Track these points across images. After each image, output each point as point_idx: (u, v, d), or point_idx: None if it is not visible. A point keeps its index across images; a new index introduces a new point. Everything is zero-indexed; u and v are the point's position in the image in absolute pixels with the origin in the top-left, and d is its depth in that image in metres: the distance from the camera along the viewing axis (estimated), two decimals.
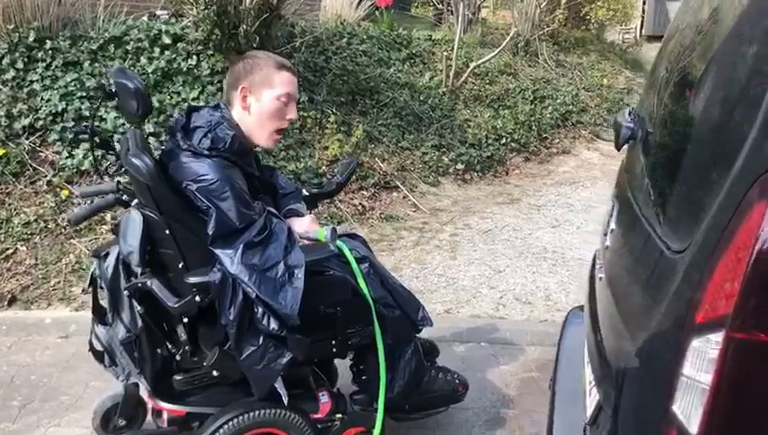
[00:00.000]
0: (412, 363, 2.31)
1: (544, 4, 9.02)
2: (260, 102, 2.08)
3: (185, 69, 4.97)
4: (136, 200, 1.99)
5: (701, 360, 0.96)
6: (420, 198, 5.45)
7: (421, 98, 6.66)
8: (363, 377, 2.35)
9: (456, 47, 7.13)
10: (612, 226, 1.64)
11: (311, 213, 2.41)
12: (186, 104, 4.05)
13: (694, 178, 1.18)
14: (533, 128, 7.20)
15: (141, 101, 1.92)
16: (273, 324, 1.92)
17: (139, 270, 1.98)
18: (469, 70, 7.20)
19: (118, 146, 2.14)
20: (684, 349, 0.98)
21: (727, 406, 0.94)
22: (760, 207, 0.88)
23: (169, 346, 2.12)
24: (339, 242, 2.19)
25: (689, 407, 0.98)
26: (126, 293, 2.01)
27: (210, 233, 1.91)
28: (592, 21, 11.49)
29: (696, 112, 1.26)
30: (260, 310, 1.92)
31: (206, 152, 1.97)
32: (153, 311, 2.05)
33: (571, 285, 4.01)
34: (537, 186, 6.25)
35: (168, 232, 1.94)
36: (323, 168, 5.04)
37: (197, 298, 1.95)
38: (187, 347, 2.09)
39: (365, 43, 7.01)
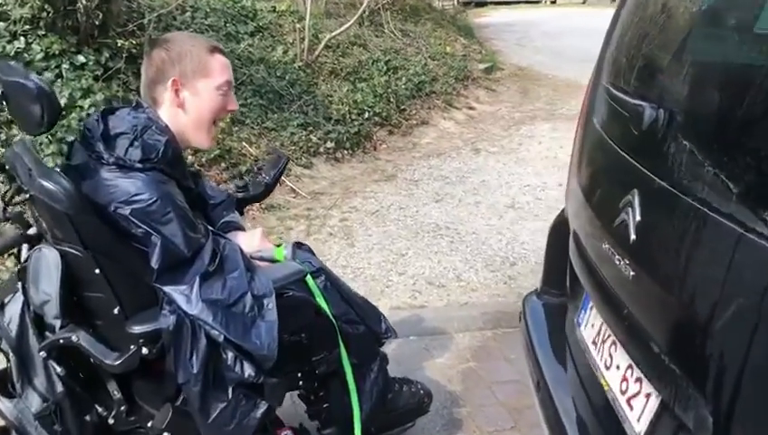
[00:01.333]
0: (379, 382, 2.05)
1: None
2: (197, 96, 1.69)
3: (12, 53, 4.20)
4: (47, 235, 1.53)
5: None
6: (297, 181, 5.12)
7: (278, 74, 6.26)
8: (324, 405, 2.05)
9: (308, 19, 6.77)
10: (637, 217, 1.49)
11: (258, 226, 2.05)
12: None
13: None
14: (392, 100, 7.08)
15: (47, 105, 1.46)
16: (249, 370, 1.58)
17: (57, 323, 1.53)
18: (323, 42, 6.89)
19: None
20: None
21: None
22: None
23: (99, 409, 1.69)
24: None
25: None
26: (41, 354, 1.55)
27: (156, 266, 1.51)
28: None
29: None
30: (230, 355, 1.57)
31: (137, 165, 1.55)
32: (76, 371, 1.61)
33: (476, 263, 3.93)
34: (407, 160, 6.14)
35: (97, 271, 1.51)
36: (202, 161, 4.55)
37: (144, 350, 1.55)
38: (122, 407, 1.67)
39: (209, 16, 6.44)
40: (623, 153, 1.64)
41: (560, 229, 2.27)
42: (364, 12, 8.21)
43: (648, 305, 1.41)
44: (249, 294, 1.59)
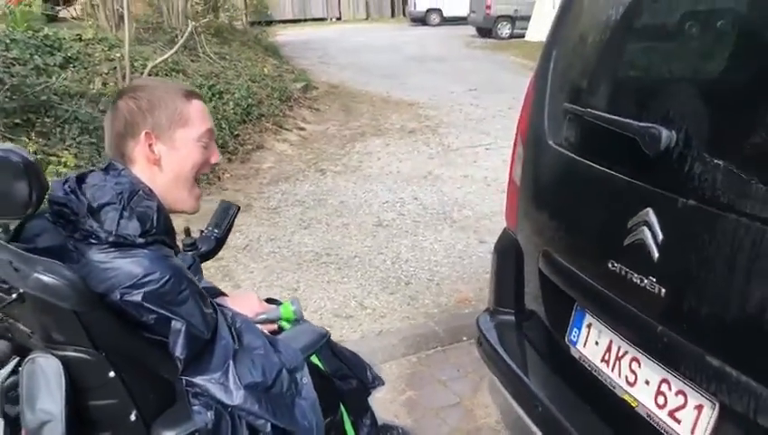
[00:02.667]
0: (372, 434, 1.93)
1: None
2: (175, 150, 1.45)
3: None
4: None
5: None
6: None
7: (101, 108, 5.71)
8: None
9: (127, 47, 6.26)
10: (659, 235, 1.54)
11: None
12: None
13: None
14: (224, 126, 6.79)
15: (35, 181, 1.17)
16: None
17: None
18: (147, 71, 6.42)
19: None
20: None
21: None
22: None
23: None
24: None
25: None
26: None
27: (182, 356, 1.28)
28: (226, 8, 11.31)
29: None
30: None
31: (138, 241, 1.29)
32: None
33: (372, 287, 3.88)
34: (256, 187, 5.93)
35: (112, 374, 1.24)
36: None
37: None
38: None
39: (11, 48, 5.71)
40: (620, 175, 1.70)
41: (509, 251, 2.31)
42: (179, 37, 7.80)
43: (692, 319, 1.46)
44: (284, 370, 1.40)
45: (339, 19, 28.73)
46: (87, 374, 1.23)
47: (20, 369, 1.23)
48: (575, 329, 1.92)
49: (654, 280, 1.55)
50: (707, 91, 1.53)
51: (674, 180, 1.52)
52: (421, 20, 25.02)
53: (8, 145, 1.26)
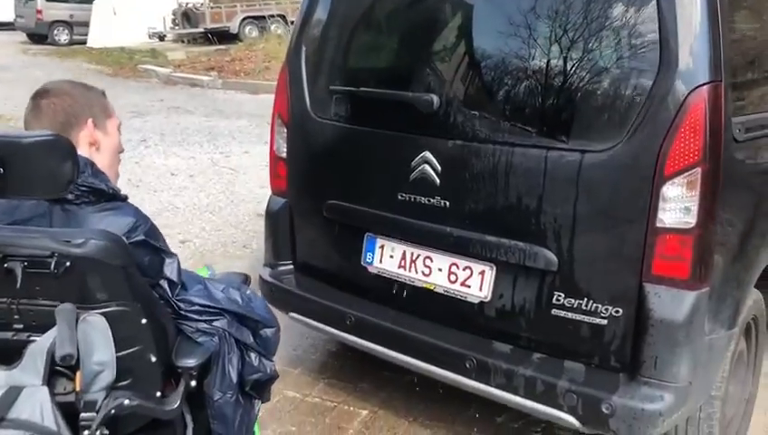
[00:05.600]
0: None
1: None
2: (108, 136, 1.69)
3: None
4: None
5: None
6: None
7: None
8: None
9: None
10: (438, 167, 2.24)
11: None
12: None
13: (604, 96, 2.00)
14: None
15: (76, 163, 1.31)
16: (270, 365, 1.75)
17: (101, 395, 1.39)
18: None
19: None
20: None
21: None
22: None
23: None
24: None
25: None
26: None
27: (177, 280, 1.56)
28: None
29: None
30: (253, 356, 1.70)
31: (122, 195, 1.54)
32: None
33: None
34: None
35: (144, 321, 1.43)
36: None
37: (193, 383, 1.56)
38: None
39: None
40: (397, 133, 2.41)
41: (282, 213, 2.83)
42: None
43: (471, 216, 2.25)
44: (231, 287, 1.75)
45: None
46: (124, 325, 1.40)
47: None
48: (368, 253, 2.56)
49: (440, 198, 2.30)
50: (453, 63, 2.33)
51: (443, 129, 2.28)
52: None
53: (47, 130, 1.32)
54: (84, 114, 1.65)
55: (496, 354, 2.25)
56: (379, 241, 2.54)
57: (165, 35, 19.34)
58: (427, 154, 2.30)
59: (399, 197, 2.38)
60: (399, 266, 2.48)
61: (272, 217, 2.88)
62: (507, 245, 2.18)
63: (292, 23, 17.16)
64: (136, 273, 1.43)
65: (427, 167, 2.30)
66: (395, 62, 2.57)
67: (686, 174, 1.90)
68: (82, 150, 1.61)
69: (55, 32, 19.39)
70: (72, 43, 19.11)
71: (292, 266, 2.86)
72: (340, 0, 2.62)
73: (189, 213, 5.51)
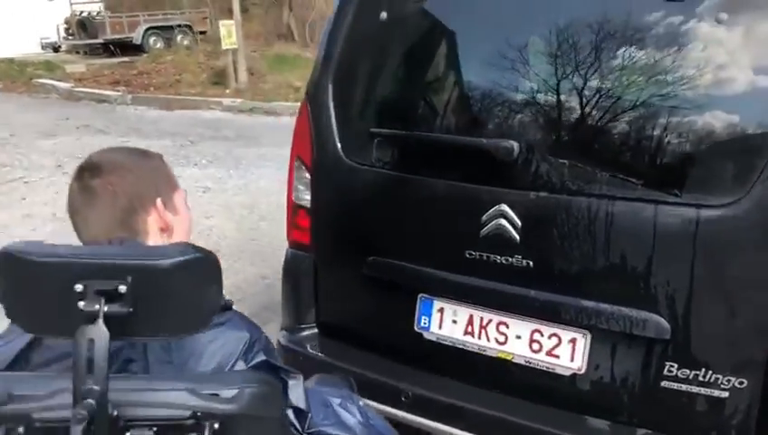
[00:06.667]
0: None
1: None
2: (179, 216, 1.34)
3: None
4: None
5: None
6: None
7: None
8: None
9: None
10: (517, 222, 1.94)
11: None
12: None
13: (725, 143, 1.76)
14: None
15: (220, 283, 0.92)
16: None
17: None
18: None
19: None
20: None
21: None
22: None
23: None
24: None
25: None
26: None
27: (306, 408, 1.23)
28: None
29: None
30: None
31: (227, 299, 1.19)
32: None
33: None
34: None
35: None
36: None
37: None
38: None
39: None
40: (457, 182, 2.10)
41: (304, 270, 2.46)
42: None
43: (563, 279, 1.97)
44: None
45: None
46: None
47: None
48: (423, 317, 2.23)
49: (520, 257, 2.01)
50: (535, 102, 2.04)
51: (524, 179, 2.00)
52: None
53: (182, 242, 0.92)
54: (150, 193, 1.28)
55: (592, 432, 1.99)
56: (438, 304, 2.21)
57: (60, 46, 18.00)
58: (504, 207, 2.01)
59: (467, 255, 2.08)
60: (466, 333, 2.17)
61: (292, 274, 2.50)
62: (608, 311, 1.91)
63: (200, 33, 16.62)
64: (288, 421, 1.05)
65: (504, 221, 2.01)
66: (460, 101, 2.24)
67: None
68: (153, 239, 1.26)
69: None
70: None
71: (316, 330, 2.49)
72: (383, 27, 2.25)
73: None
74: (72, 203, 1.25)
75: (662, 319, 1.86)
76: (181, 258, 0.90)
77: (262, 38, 15.31)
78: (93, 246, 1.10)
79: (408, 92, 2.31)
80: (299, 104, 2.52)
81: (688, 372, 1.86)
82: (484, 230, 2.04)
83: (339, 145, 2.32)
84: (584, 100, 1.95)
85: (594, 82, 1.93)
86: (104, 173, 1.25)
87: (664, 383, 1.89)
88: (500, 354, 2.11)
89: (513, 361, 2.09)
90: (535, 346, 2.07)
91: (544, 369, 2.05)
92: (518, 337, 2.09)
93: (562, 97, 1.98)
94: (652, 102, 1.87)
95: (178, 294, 0.91)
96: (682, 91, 1.84)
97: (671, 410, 1.91)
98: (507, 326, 2.11)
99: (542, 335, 2.06)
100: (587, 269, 1.94)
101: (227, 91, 12.38)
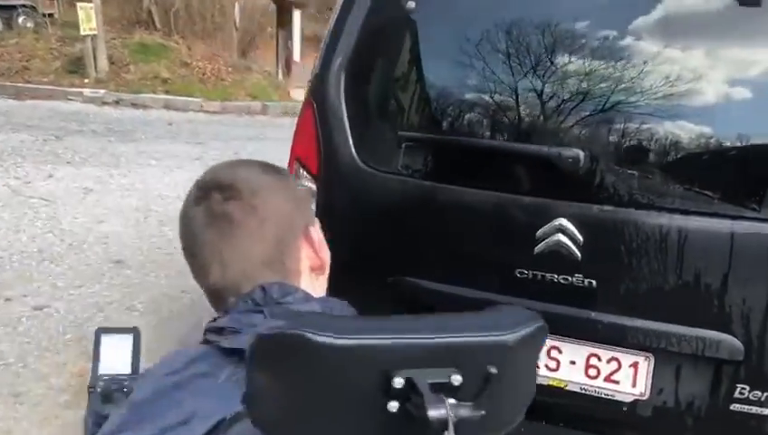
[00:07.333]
0: None
1: None
2: (324, 251, 1.03)
3: None
4: None
5: None
6: None
7: None
8: None
9: None
10: (579, 238, 1.74)
11: None
12: None
13: None
14: None
15: None
16: None
17: None
18: None
19: None
20: None
21: None
22: None
23: None
24: None
25: None
26: None
27: None
28: None
29: None
30: None
31: None
32: None
33: None
34: None
35: None
36: None
37: None
38: None
39: None
40: (506, 193, 1.89)
41: None
42: None
43: (628, 300, 1.82)
44: None
45: None
46: None
47: None
48: None
49: (582, 276, 1.83)
50: (601, 107, 1.85)
51: (587, 191, 1.82)
52: None
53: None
54: (300, 221, 0.98)
55: None
56: None
57: None
58: (563, 222, 1.82)
59: (518, 274, 1.87)
60: None
61: None
62: (677, 332, 1.79)
63: (45, 15, 15.03)
64: None
65: (563, 237, 1.82)
66: (510, 102, 2.00)
67: None
68: (305, 282, 0.95)
69: None
70: None
71: None
72: (410, 15, 1.96)
73: (19, 264, 4.25)
74: (193, 233, 0.90)
75: (735, 339, 1.76)
76: (526, 330, 0.61)
77: (119, 25, 14.15)
78: (397, 318, 0.70)
79: (446, 92, 2.04)
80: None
81: (760, 393, 1.78)
82: (539, 247, 1.84)
83: (353, 149, 2.02)
84: (656, 106, 1.80)
85: (669, 88, 1.79)
86: (244, 194, 0.90)
87: (734, 406, 1.80)
88: (551, 382, 1.93)
89: (567, 388, 1.91)
90: (592, 372, 1.90)
91: (603, 396, 1.89)
92: (572, 362, 1.92)
93: (632, 102, 1.83)
94: (731, 111, 1.76)
95: (514, 380, 0.62)
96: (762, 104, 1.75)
97: (740, 433, 1.82)
98: (560, 351, 1.93)
99: (599, 360, 1.90)
100: (655, 288, 1.80)
101: (86, 80, 11.27)
